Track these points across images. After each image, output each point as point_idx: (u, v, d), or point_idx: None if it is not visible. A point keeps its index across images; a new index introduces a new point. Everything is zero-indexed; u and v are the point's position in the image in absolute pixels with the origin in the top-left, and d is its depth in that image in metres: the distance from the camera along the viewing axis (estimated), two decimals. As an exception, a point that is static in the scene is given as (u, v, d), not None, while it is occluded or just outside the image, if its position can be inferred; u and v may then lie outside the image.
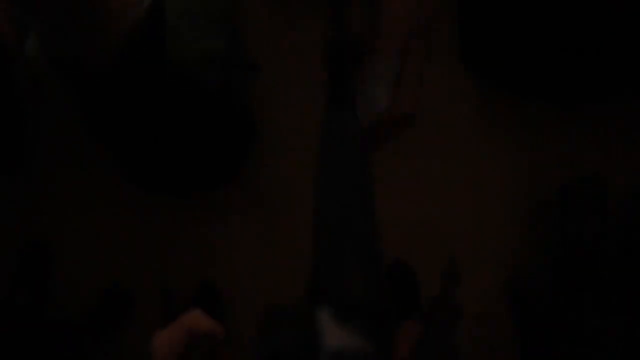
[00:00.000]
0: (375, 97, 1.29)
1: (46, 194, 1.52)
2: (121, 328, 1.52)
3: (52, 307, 1.51)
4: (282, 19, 1.51)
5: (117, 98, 1.06)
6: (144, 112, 1.09)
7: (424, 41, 1.12)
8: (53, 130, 1.50)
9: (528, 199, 1.59)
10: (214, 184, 1.34)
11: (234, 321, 1.48)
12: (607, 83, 1.41)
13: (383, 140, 1.40)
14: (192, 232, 1.54)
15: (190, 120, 1.12)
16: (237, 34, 1.41)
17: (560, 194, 1.54)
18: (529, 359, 1.24)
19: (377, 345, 0.21)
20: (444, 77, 1.54)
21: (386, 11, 1.05)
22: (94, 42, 0.91)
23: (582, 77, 1.39)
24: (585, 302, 1.07)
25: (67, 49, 0.93)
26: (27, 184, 1.51)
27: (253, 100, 1.44)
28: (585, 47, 1.28)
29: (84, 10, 0.84)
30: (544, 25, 1.28)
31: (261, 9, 1.50)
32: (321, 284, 0.25)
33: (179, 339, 0.58)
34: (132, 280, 1.53)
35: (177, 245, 1.54)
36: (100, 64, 0.96)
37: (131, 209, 1.52)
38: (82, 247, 1.53)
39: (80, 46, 0.91)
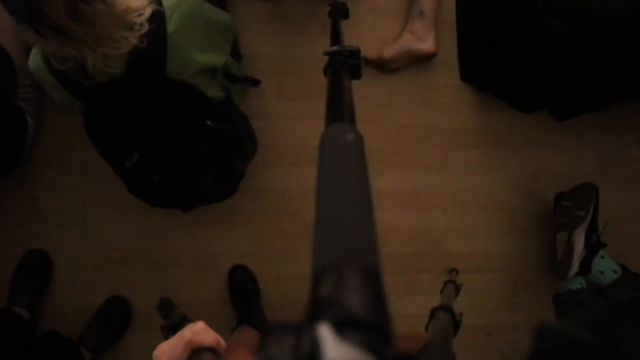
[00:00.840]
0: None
1: (44, 203, 1.52)
2: (120, 339, 1.51)
3: (50, 321, 1.50)
4: (282, 34, 1.52)
5: (118, 109, 1.06)
6: (144, 124, 1.09)
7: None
8: (52, 140, 1.51)
9: (527, 208, 1.59)
10: (218, 198, 1.34)
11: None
12: (600, 95, 1.42)
13: (401, 66, 1.51)
14: (191, 242, 1.54)
15: (191, 132, 1.12)
16: (237, 49, 1.42)
17: (555, 201, 1.54)
18: None
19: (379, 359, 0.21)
20: (444, 89, 1.55)
21: None
22: (98, 54, 0.91)
23: (576, 89, 1.40)
24: None
25: (69, 62, 0.94)
26: (25, 194, 1.51)
27: (253, 112, 1.45)
28: (579, 62, 1.29)
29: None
30: (540, 42, 1.29)
31: (262, 25, 1.51)
32: (321, 296, 0.26)
33: (181, 351, 0.58)
34: (131, 291, 1.53)
35: (176, 255, 1.54)
36: (102, 75, 0.97)
37: (130, 219, 1.52)
38: (80, 257, 1.53)
39: (82, 59, 0.92)
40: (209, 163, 1.18)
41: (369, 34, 1.50)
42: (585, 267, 1.42)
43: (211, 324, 0.65)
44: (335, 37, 0.81)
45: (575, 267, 1.42)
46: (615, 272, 1.41)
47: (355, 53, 0.69)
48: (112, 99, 1.03)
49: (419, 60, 1.50)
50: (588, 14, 1.21)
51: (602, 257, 1.43)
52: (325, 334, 0.21)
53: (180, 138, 1.11)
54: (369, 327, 0.22)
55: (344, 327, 0.22)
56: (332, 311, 0.23)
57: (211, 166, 1.19)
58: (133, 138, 1.10)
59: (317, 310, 0.24)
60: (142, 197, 1.25)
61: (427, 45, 1.46)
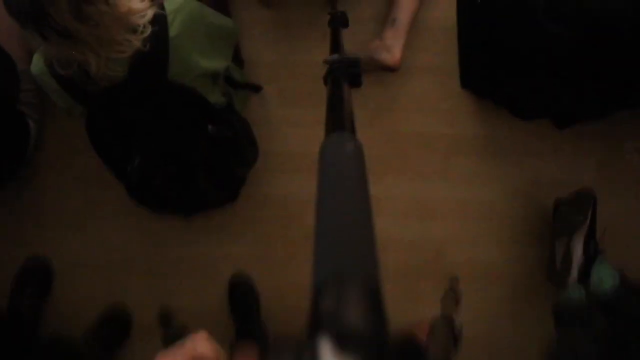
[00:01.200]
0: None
1: (46, 207, 1.52)
2: (120, 349, 1.51)
3: (51, 326, 1.50)
4: (284, 40, 1.52)
5: (118, 112, 1.07)
6: (144, 125, 1.10)
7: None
8: (55, 145, 1.51)
9: (527, 216, 1.59)
10: (219, 203, 1.34)
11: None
12: (600, 97, 1.42)
13: (367, 70, 1.45)
14: (192, 249, 1.54)
15: (191, 133, 1.12)
16: (238, 55, 1.43)
17: (554, 208, 1.54)
18: None
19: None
20: (444, 96, 1.55)
21: None
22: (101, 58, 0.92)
23: (577, 90, 1.40)
24: None
25: (72, 67, 0.94)
26: (26, 198, 1.52)
27: (254, 118, 1.45)
28: (579, 63, 1.29)
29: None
30: (541, 42, 1.29)
31: (264, 31, 1.52)
32: (321, 310, 0.26)
33: (181, 360, 0.58)
34: (131, 297, 1.53)
35: (177, 261, 1.54)
36: (105, 79, 0.97)
37: (131, 225, 1.52)
38: (81, 263, 1.53)
39: (85, 63, 0.92)
40: (209, 165, 1.18)
41: (370, 42, 1.50)
42: (584, 274, 1.41)
43: (211, 332, 0.65)
44: (336, 45, 0.81)
45: (574, 273, 1.41)
46: (614, 278, 1.41)
47: (355, 62, 0.69)
48: (112, 102, 1.03)
49: (381, 70, 1.44)
50: (588, 15, 1.21)
51: (601, 263, 1.42)
52: (325, 349, 0.21)
53: (179, 139, 1.11)
54: (368, 342, 0.22)
55: (344, 342, 0.22)
56: (332, 326, 0.23)
57: (211, 169, 1.19)
58: (133, 140, 1.10)
59: (318, 324, 0.24)
60: (142, 202, 1.26)
61: (390, 56, 1.39)
